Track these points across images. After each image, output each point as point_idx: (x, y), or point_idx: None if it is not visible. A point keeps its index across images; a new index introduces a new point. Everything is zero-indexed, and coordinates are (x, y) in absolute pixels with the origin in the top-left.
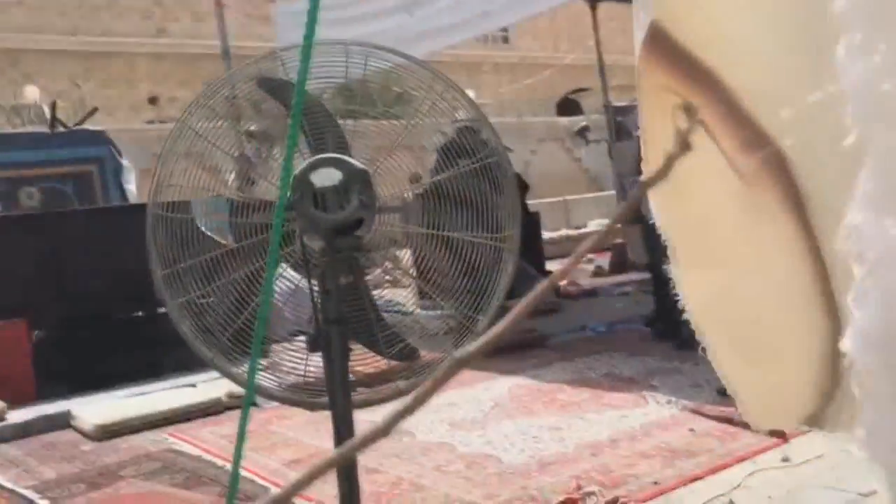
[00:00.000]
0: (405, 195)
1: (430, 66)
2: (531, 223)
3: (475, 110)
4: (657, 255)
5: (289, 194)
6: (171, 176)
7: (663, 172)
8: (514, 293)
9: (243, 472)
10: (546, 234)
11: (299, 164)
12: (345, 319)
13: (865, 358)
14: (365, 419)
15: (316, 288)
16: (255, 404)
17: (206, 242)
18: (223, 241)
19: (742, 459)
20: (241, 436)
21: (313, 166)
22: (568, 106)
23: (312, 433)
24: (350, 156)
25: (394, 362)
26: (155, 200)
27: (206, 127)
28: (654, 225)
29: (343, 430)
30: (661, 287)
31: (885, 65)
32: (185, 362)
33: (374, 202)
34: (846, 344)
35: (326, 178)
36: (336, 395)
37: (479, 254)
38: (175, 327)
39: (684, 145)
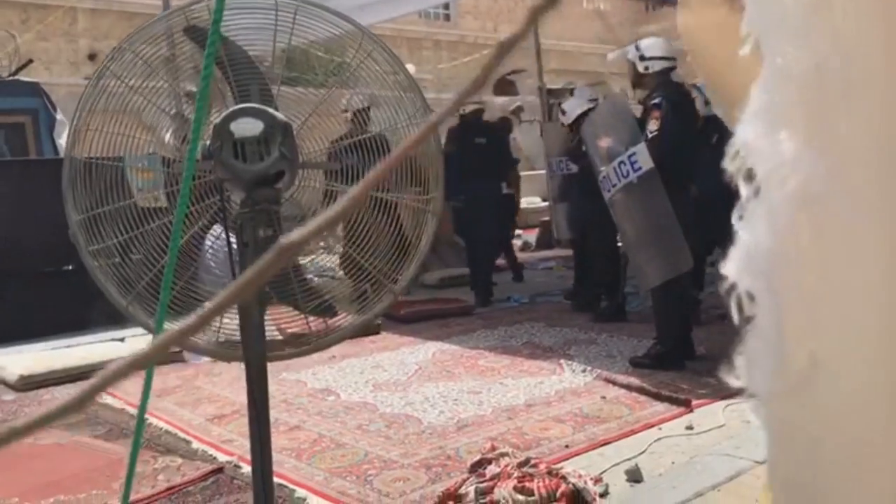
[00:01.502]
0: (330, 153)
1: (361, 25)
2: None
3: (404, 72)
4: (578, 231)
5: (208, 143)
6: (103, 125)
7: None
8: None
9: (165, 426)
10: None
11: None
12: None
13: (748, 282)
14: (281, 374)
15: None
16: (182, 360)
17: (130, 193)
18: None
19: (649, 426)
20: (147, 381)
21: (234, 116)
22: (504, 86)
23: (238, 390)
24: (275, 108)
25: (316, 322)
26: (74, 145)
27: (145, 85)
28: (578, 203)
29: (257, 381)
30: (582, 262)
31: None
32: (114, 317)
33: (295, 155)
34: (728, 267)
35: (247, 128)
36: (250, 347)
37: (403, 214)
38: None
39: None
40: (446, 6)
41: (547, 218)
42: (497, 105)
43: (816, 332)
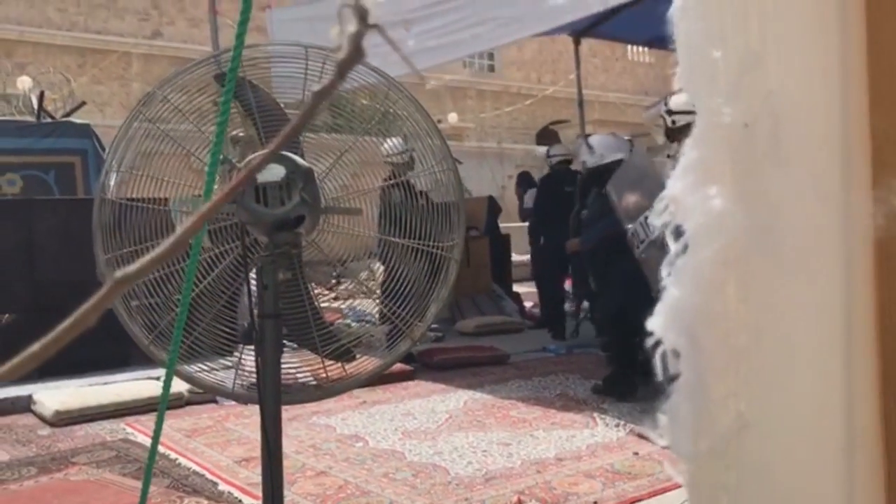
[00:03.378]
0: (355, 201)
1: (388, 76)
2: (502, 245)
3: (428, 122)
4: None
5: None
6: (147, 168)
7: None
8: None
9: (193, 466)
10: (516, 257)
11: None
12: (280, 314)
13: (673, 338)
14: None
15: (255, 283)
16: (214, 401)
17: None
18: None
19: (681, 485)
20: (160, 418)
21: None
22: (547, 136)
23: None
24: (301, 155)
25: (333, 367)
26: (106, 185)
27: (190, 130)
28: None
29: (270, 423)
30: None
31: (712, 30)
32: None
33: (317, 200)
34: (654, 322)
35: (270, 173)
36: (265, 389)
37: (425, 261)
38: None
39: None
40: (491, 56)
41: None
42: (539, 154)
43: (746, 393)
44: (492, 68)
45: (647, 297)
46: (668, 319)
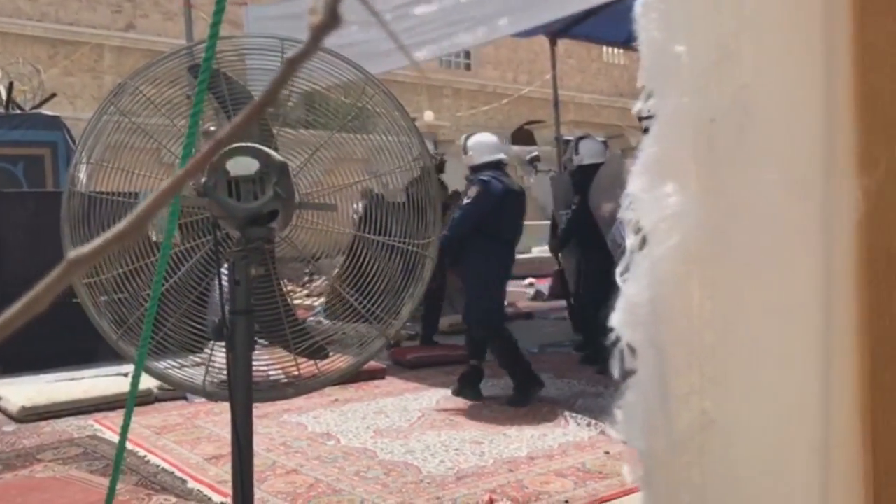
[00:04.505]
0: (331, 196)
1: (366, 72)
2: None
3: (406, 119)
4: (590, 283)
5: (203, 180)
6: (117, 161)
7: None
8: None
9: (162, 464)
10: None
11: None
12: (252, 311)
13: (630, 334)
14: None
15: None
16: (184, 398)
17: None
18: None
19: None
20: (127, 415)
21: (230, 154)
22: (522, 135)
23: None
24: (275, 150)
25: (306, 365)
26: (76, 177)
27: (163, 123)
28: (591, 255)
29: (241, 420)
30: (591, 314)
31: (675, 25)
32: None
33: (291, 195)
34: (614, 319)
35: (243, 166)
36: (236, 386)
37: (400, 259)
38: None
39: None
40: (467, 55)
41: (558, 268)
42: (513, 153)
43: (711, 390)
44: (468, 67)
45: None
46: (625, 315)
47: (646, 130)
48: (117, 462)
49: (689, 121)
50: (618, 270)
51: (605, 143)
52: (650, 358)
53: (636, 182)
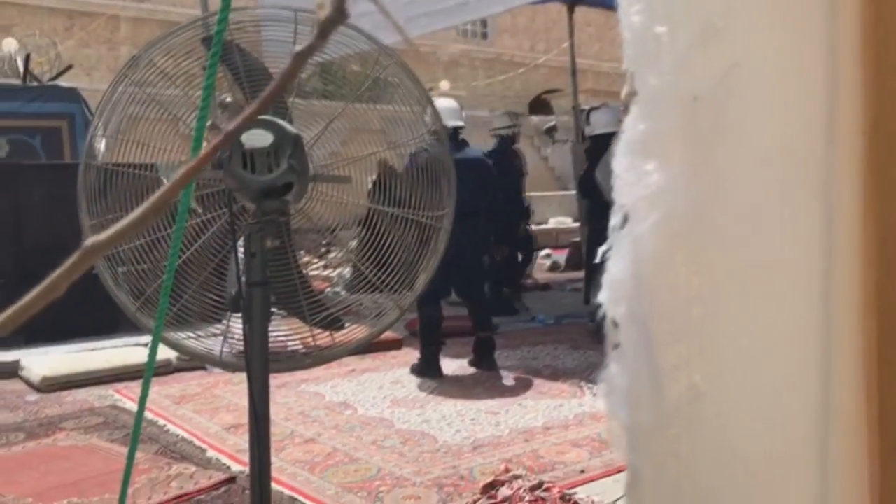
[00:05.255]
0: (347, 168)
1: (379, 42)
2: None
3: (420, 89)
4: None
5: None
6: (133, 133)
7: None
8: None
9: (182, 433)
10: None
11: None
12: (268, 282)
13: (615, 310)
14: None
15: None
16: (203, 368)
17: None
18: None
19: None
20: (146, 384)
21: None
22: (539, 105)
23: None
24: (290, 122)
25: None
26: (92, 149)
27: (178, 94)
28: (601, 226)
29: (258, 391)
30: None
31: (656, 10)
32: None
33: (305, 168)
34: (601, 296)
35: (257, 139)
36: (253, 357)
37: (415, 231)
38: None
39: None
40: (484, 24)
41: (577, 239)
42: (531, 124)
43: (700, 363)
44: (484, 35)
45: None
46: (610, 291)
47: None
48: (136, 431)
49: (671, 100)
50: (603, 248)
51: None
52: (633, 332)
53: (619, 162)
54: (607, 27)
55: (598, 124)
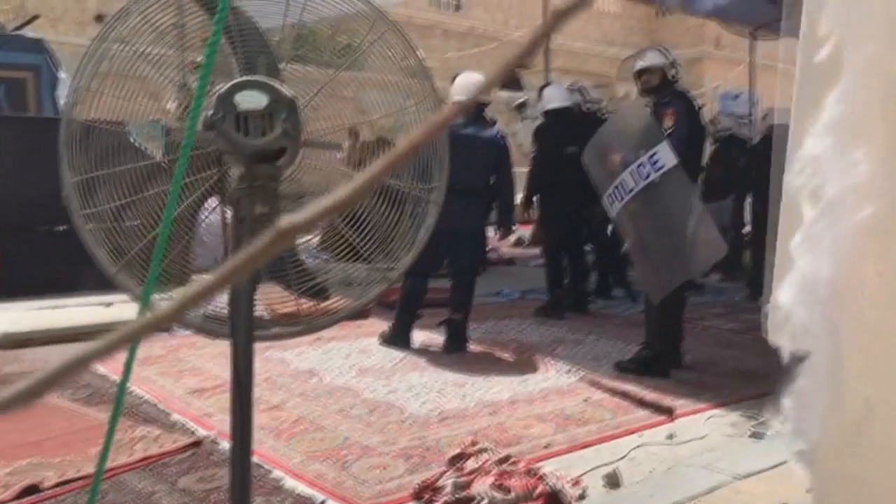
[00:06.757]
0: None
1: (375, 5)
2: None
3: (415, 59)
4: (573, 234)
5: (210, 113)
6: (106, 88)
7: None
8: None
9: (146, 395)
10: None
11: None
12: None
13: (805, 313)
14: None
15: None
16: (166, 330)
17: (129, 159)
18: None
19: (630, 432)
20: (131, 354)
21: (239, 87)
22: (510, 81)
23: (223, 364)
24: (281, 82)
25: (307, 304)
26: (74, 105)
27: (152, 52)
28: (575, 204)
29: (241, 359)
30: (572, 262)
31: None
32: (103, 281)
33: (299, 133)
34: (782, 295)
35: (252, 101)
36: (238, 323)
37: (405, 203)
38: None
39: None
40: None
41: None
42: (501, 99)
43: (873, 375)
44: (458, 7)
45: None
46: (799, 292)
47: (645, 89)
48: (118, 401)
49: (881, 76)
50: (793, 243)
51: (580, 90)
52: (825, 340)
53: (816, 144)
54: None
55: (549, 99)
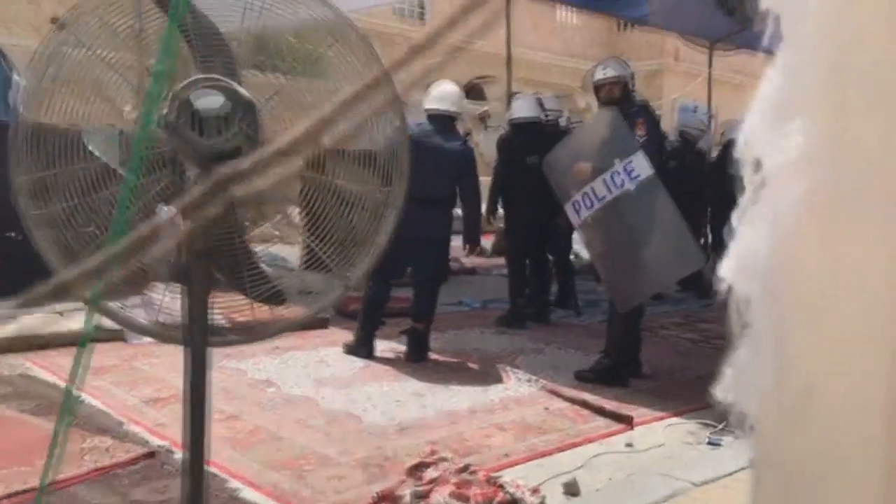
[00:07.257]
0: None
1: (339, 11)
2: None
3: (377, 64)
4: (537, 244)
5: (165, 112)
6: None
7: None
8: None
9: (99, 405)
10: None
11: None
12: (210, 252)
13: (746, 285)
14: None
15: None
16: (122, 339)
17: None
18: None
19: (589, 441)
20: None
21: (195, 84)
22: (473, 91)
23: (178, 373)
24: (239, 83)
25: (262, 310)
26: (27, 107)
27: (111, 56)
28: (539, 214)
29: (197, 364)
30: (536, 272)
31: None
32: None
33: (256, 134)
34: (725, 268)
35: (209, 101)
36: (193, 328)
37: (363, 206)
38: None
39: None
40: (422, 6)
41: (503, 225)
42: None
43: (814, 351)
44: (421, 16)
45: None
46: (740, 265)
47: (609, 99)
48: (64, 407)
49: (822, 50)
50: (734, 214)
51: (539, 100)
52: (766, 311)
53: (757, 117)
54: (542, 18)
55: (517, 110)
